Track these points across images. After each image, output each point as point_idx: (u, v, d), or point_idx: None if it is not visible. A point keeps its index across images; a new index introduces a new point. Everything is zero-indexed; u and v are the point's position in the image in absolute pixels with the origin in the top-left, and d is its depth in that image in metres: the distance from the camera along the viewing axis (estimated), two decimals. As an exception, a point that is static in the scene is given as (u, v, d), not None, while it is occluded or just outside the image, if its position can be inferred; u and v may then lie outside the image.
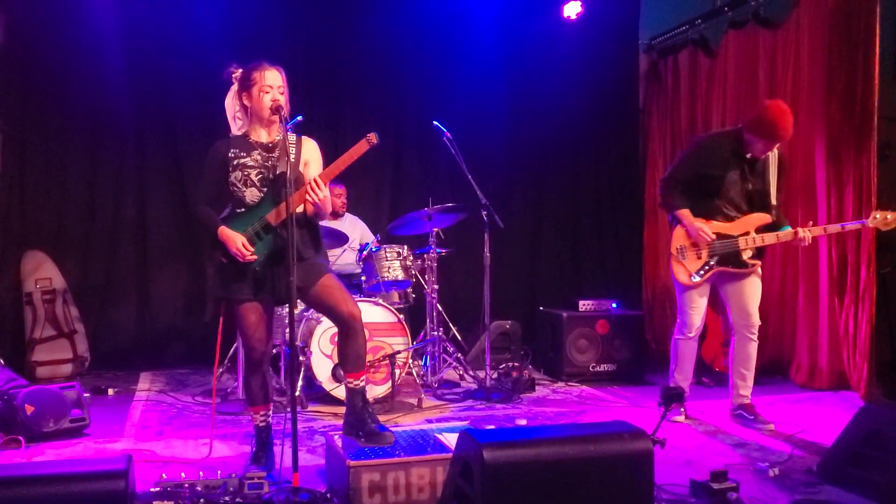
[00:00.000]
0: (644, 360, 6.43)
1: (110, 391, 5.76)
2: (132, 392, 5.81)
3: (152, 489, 3.23)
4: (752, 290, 4.75)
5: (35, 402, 4.41)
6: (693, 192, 4.78)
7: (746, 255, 4.68)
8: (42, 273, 6.33)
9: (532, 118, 7.64)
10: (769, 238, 4.66)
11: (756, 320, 4.77)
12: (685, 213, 4.76)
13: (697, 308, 4.82)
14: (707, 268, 4.74)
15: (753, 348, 4.79)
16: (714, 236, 4.70)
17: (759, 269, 4.78)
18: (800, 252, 6.09)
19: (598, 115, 7.85)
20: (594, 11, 7.34)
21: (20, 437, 4.32)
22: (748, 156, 4.66)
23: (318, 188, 3.51)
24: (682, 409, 4.92)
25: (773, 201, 4.70)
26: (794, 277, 6.21)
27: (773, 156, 4.69)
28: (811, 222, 4.81)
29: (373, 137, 3.59)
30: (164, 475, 3.30)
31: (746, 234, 4.68)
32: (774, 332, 6.43)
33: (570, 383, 6.14)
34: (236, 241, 3.58)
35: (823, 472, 3.79)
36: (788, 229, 4.66)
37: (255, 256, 3.61)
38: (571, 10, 7.25)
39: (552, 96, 7.60)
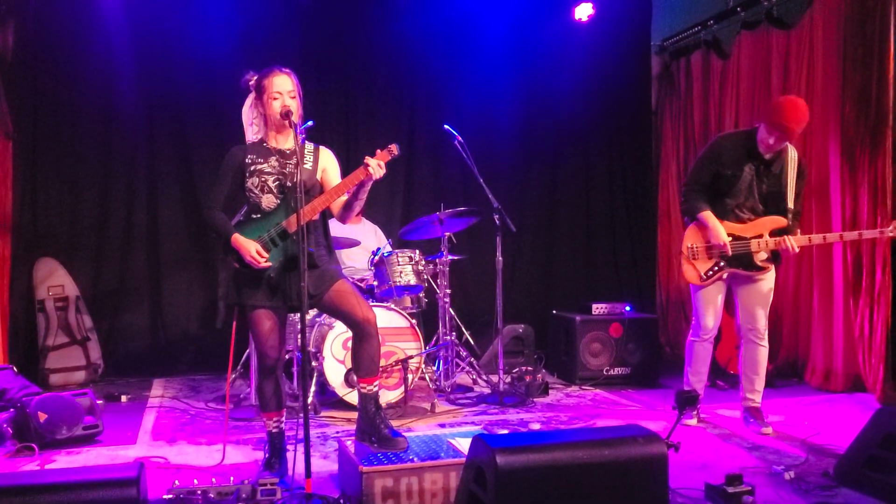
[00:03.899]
0: (658, 363, 6.39)
1: (123, 398, 5.77)
2: (145, 399, 5.82)
3: (165, 496, 3.23)
4: (762, 294, 4.70)
5: (48, 409, 4.42)
6: (709, 194, 4.74)
7: (759, 258, 4.63)
8: (54, 280, 6.35)
9: (544, 121, 7.62)
10: (781, 244, 4.55)
11: (762, 325, 4.71)
12: (708, 216, 4.68)
13: (711, 310, 4.77)
14: (717, 268, 4.70)
15: (761, 353, 4.74)
16: (728, 248, 4.62)
17: (773, 274, 4.72)
18: (814, 254, 6.05)
19: (610, 117, 7.82)
20: (606, 13, 7.32)
21: (33, 445, 4.32)
22: (766, 156, 4.59)
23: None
24: (696, 413, 4.89)
25: (790, 205, 4.61)
26: (809, 279, 6.16)
27: (791, 160, 4.62)
28: (812, 236, 4.71)
29: (394, 149, 3.68)
30: (176, 482, 3.30)
31: (760, 236, 4.61)
32: (789, 335, 6.39)
33: (583, 387, 6.11)
34: (250, 248, 3.58)
35: (840, 475, 3.75)
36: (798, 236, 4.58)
37: (269, 264, 3.61)
38: (583, 13, 7.23)
39: (564, 99, 7.59)
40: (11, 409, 4.54)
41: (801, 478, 3.76)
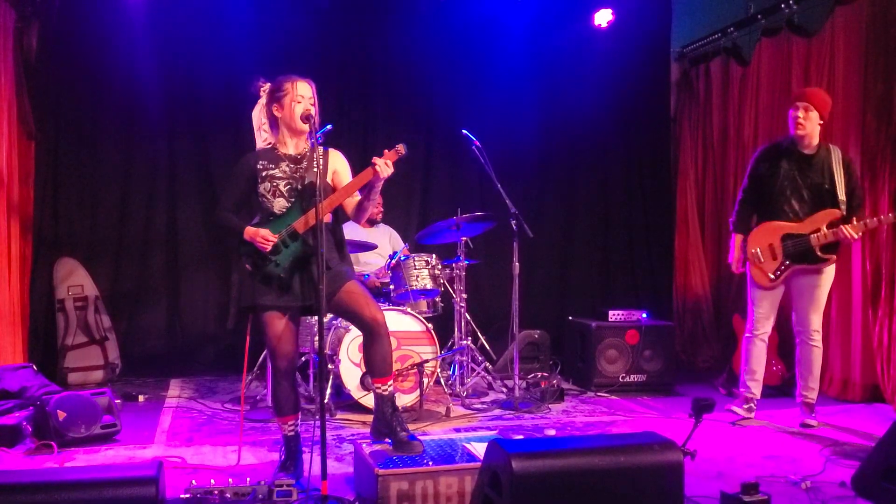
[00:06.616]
0: (674, 370, 6.36)
1: (141, 397, 5.81)
2: (162, 398, 5.85)
3: (182, 496, 3.25)
4: (817, 294, 4.86)
5: (67, 407, 4.46)
6: (758, 200, 5.01)
7: (820, 251, 4.77)
8: (74, 280, 6.40)
9: (562, 127, 7.61)
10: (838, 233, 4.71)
11: (815, 327, 4.89)
12: (737, 238, 5.08)
13: (767, 309, 4.99)
14: (783, 267, 4.87)
15: (815, 354, 4.92)
16: (735, 267, 5.08)
17: (831, 276, 4.87)
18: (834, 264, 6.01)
19: (628, 123, 7.81)
20: (625, 20, 7.32)
21: (52, 443, 4.36)
22: (804, 150, 4.82)
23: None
24: (746, 408, 5.10)
25: (841, 196, 4.74)
26: (828, 288, 6.12)
27: (836, 156, 4.80)
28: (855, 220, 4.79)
29: (401, 148, 3.65)
30: (193, 482, 3.32)
31: (817, 230, 4.76)
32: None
33: (599, 394, 6.09)
34: (259, 231, 3.61)
35: (857, 486, 3.71)
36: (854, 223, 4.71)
37: (276, 237, 3.62)
38: (602, 19, 7.24)
39: (583, 105, 7.57)
40: (31, 407, 4.59)
41: (818, 488, 3.74)
